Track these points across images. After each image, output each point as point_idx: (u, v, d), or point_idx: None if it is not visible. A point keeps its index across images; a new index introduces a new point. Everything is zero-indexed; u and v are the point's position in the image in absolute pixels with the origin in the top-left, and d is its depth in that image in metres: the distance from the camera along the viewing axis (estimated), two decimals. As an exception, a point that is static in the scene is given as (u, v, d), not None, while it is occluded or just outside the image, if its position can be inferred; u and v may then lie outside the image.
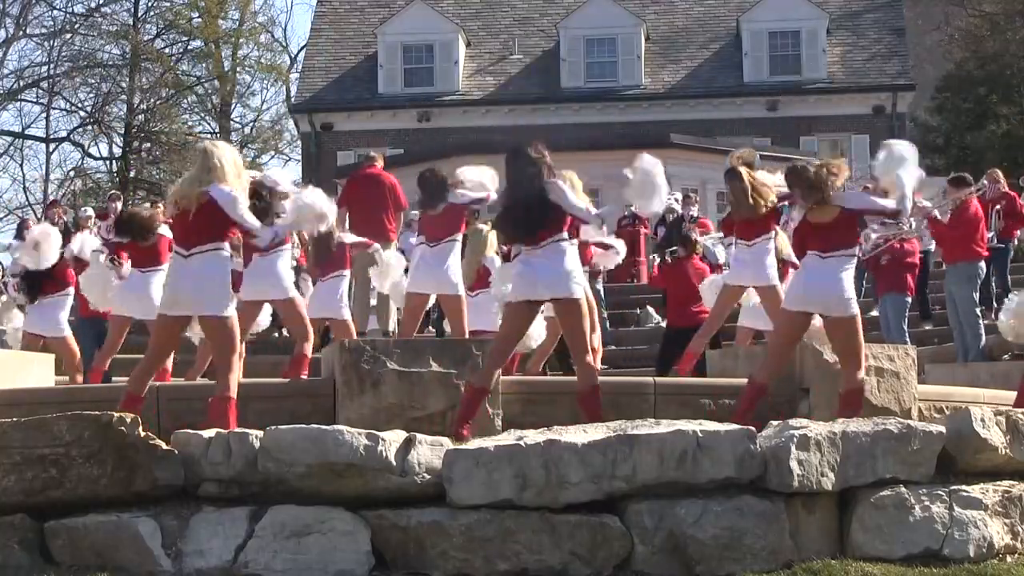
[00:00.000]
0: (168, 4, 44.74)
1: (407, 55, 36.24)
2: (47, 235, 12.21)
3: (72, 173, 44.31)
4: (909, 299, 15.05)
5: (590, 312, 10.25)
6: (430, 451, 6.82)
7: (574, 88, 35.85)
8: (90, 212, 21.64)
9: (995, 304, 17.00)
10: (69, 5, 43.63)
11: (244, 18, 45.88)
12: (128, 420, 6.80)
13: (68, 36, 43.19)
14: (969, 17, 41.67)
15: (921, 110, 40.53)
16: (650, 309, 19.47)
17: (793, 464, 6.89)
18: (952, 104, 39.95)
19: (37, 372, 9.97)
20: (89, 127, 43.80)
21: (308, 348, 10.12)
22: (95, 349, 12.34)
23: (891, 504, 7.07)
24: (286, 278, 9.90)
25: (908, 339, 14.06)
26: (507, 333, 8.09)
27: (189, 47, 44.90)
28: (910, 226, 15.38)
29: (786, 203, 9.89)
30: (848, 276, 8.11)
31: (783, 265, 10.45)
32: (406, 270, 11.51)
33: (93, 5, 43.65)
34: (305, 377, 9.72)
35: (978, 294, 13.93)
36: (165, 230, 10.47)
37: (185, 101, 45.30)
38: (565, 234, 7.99)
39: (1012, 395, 9.05)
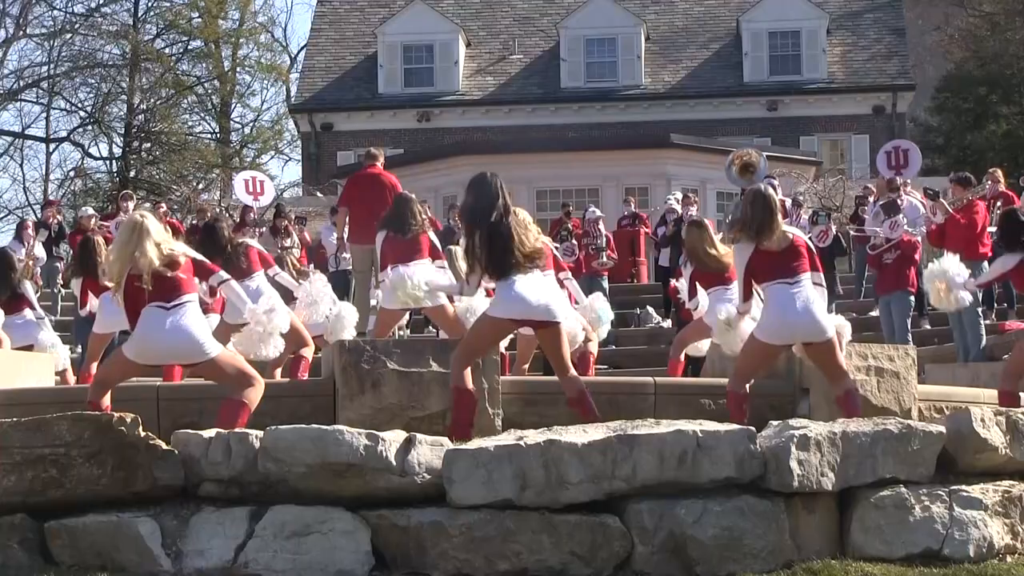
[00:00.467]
0: (168, 4, 44.83)
1: (407, 55, 36.26)
2: None
3: (72, 173, 44.36)
4: (913, 297, 15.08)
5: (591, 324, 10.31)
6: (430, 451, 6.82)
7: (574, 88, 35.87)
8: (91, 212, 21.64)
9: (995, 304, 17.07)
10: (69, 5, 43.71)
11: (244, 18, 45.94)
12: (128, 420, 6.79)
13: (68, 36, 43.25)
14: (969, 17, 41.71)
15: (921, 110, 40.58)
16: (650, 309, 19.48)
17: (793, 464, 6.89)
18: (952, 104, 40.01)
19: (37, 372, 9.97)
20: (89, 127, 43.86)
21: (308, 353, 10.34)
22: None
23: (891, 504, 7.06)
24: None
25: (911, 339, 14.09)
26: (480, 345, 7.86)
27: (189, 47, 44.97)
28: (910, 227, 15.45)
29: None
30: (820, 299, 8.10)
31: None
32: None
33: (93, 5, 43.72)
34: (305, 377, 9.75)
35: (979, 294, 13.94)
36: None
37: (185, 101, 45.32)
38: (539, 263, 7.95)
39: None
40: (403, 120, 36.06)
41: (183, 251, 7.76)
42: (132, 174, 41.67)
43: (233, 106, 46.15)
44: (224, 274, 8.06)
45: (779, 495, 6.93)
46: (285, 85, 46.74)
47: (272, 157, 47.76)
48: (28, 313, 11.73)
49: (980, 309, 14.16)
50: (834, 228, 18.11)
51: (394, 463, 6.72)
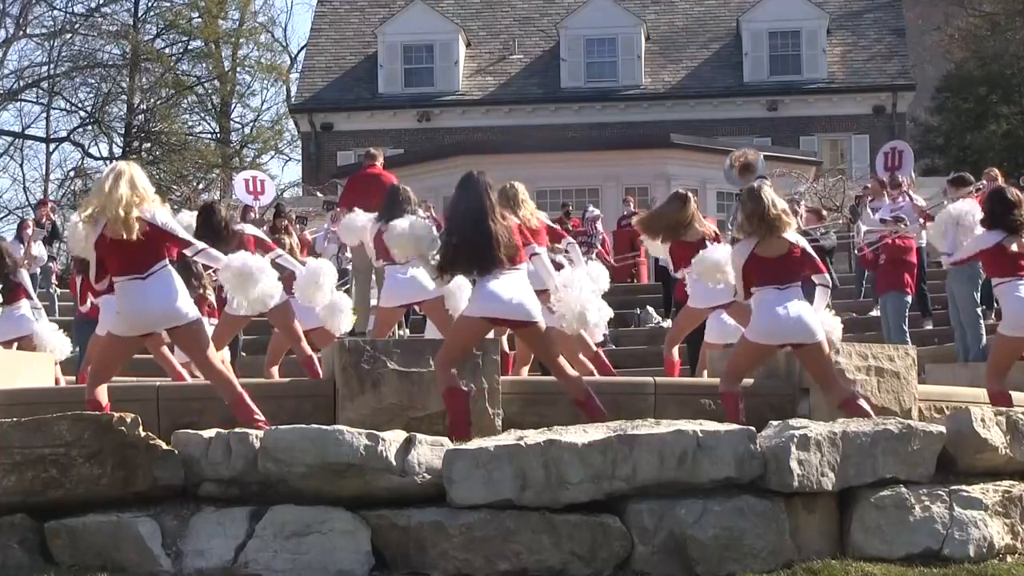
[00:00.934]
0: (168, 4, 44.87)
1: (407, 55, 36.27)
2: None
3: (72, 173, 44.36)
4: (909, 298, 15.05)
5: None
6: (430, 451, 6.82)
7: (574, 88, 35.87)
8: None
9: (995, 304, 17.04)
10: (69, 5, 43.76)
11: (244, 18, 45.95)
12: (128, 420, 6.80)
13: (68, 36, 43.29)
14: (969, 17, 41.74)
15: (921, 110, 40.61)
16: (650, 309, 19.47)
17: (793, 464, 6.89)
18: (952, 104, 40.04)
19: (37, 372, 9.97)
20: (89, 127, 43.88)
21: (306, 347, 10.47)
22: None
23: (891, 504, 7.06)
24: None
25: (908, 339, 14.07)
26: (459, 346, 7.80)
27: (189, 47, 44.99)
28: (906, 224, 15.43)
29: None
30: (817, 302, 8.15)
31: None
32: None
33: (93, 5, 43.76)
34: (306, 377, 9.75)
35: (979, 294, 13.93)
36: None
37: (185, 101, 45.37)
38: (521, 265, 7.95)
39: (1012, 395, 9.02)
40: (403, 120, 36.07)
41: (164, 220, 7.63)
42: (132, 174, 41.61)
43: (233, 106, 46.21)
44: (199, 244, 7.89)
45: (779, 495, 6.94)
46: (285, 85, 46.78)
47: (272, 157, 47.85)
48: (24, 304, 11.66)
49: (980, 309, 14.14)
50: (834, 237, 18.14)
51: (394, 463, 6.72)
